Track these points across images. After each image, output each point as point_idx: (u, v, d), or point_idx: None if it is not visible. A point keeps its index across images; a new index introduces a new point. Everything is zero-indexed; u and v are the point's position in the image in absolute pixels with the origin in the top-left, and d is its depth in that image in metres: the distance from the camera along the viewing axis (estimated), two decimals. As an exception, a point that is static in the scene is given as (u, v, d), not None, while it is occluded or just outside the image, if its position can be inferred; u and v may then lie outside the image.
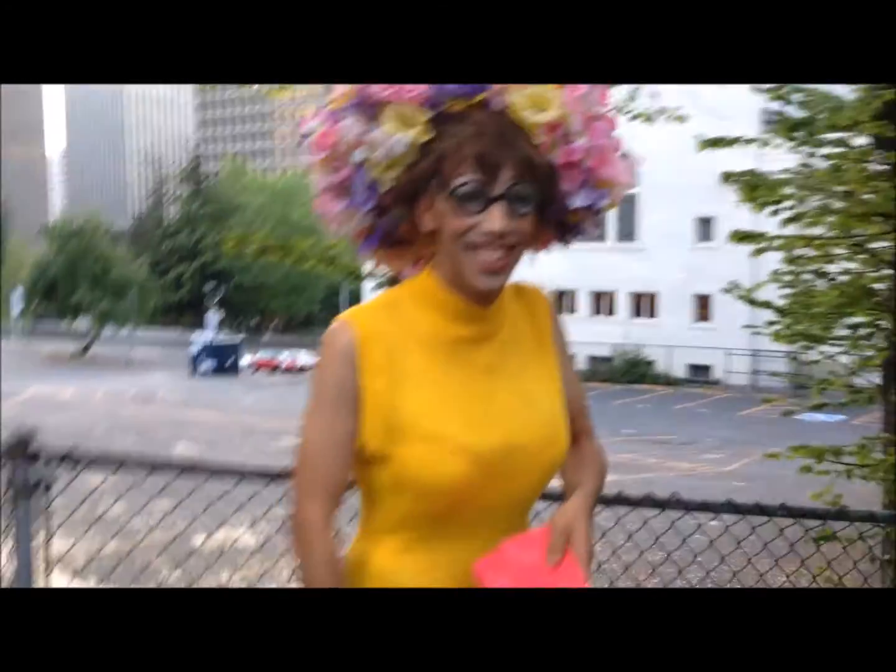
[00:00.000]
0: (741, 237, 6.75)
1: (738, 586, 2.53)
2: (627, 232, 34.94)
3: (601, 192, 1.32)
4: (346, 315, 1.29)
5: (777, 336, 8.68)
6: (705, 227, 31.38)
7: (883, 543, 5.14)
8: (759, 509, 2.12)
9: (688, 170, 25.23)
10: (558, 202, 1.30)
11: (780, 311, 8.61)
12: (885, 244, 6.51)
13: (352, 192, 1.29)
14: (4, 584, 2.10)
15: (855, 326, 7.29)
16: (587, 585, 1.24)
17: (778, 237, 7.09)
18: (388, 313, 1.30)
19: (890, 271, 6.66)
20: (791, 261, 7.17)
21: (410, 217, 1.29)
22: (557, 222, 1.35)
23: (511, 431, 1.28)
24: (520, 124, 1.25)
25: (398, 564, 1.28)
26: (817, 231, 6.96)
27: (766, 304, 8.48)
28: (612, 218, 35.33)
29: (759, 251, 7.11)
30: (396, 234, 1.33)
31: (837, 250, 6.99)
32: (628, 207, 34.98)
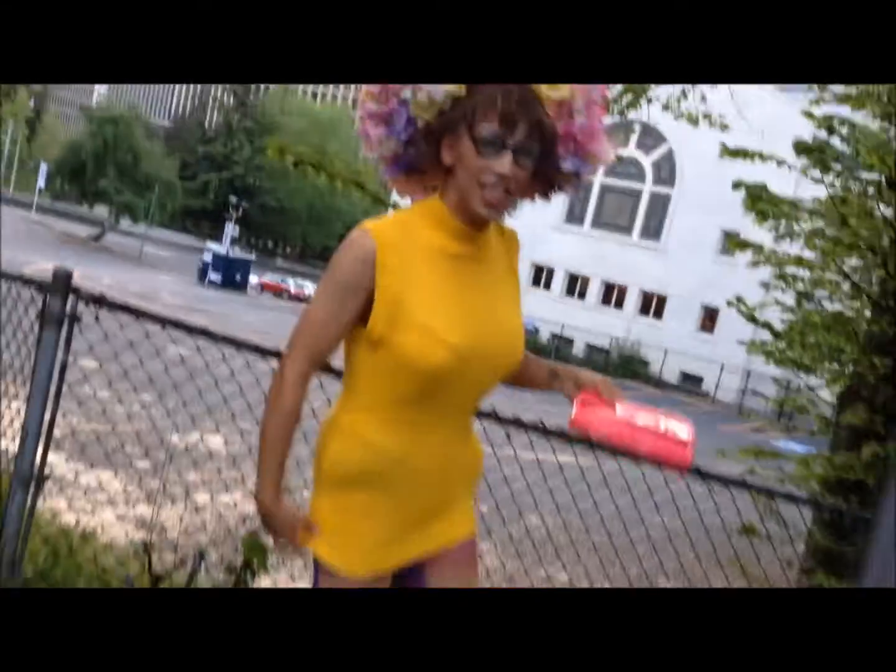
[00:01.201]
0: (737, 244, 6.86)
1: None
2: (654, 231, 34.88)
3: (585, 163, 1.65)
4: (367, 225, 1.56)
5: (769, 357, 8.88)
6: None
7: (805, 547, 5.39)
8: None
9: (727, 181, 25.09)
10: (552, 163, 1.60)
11: (777, 335, 8.79)
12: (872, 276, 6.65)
13: (393, 123, 1.58)
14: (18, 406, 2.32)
15: (843, 361, 7.44)
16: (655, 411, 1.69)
17: (773, 252, 7.22)
18: (402, 228, 1.58)
19: (867, 305, 6.79)
20: (780, 277, 7.33)
21: (432, 152, 1.57)
22: (546, 180, 1.65)
23: (484, 335, 1.60)
24: (537, 95, 1.54)
25: (381, 434, 1.59)
26: (811, 255, 7.11)
27: (766, 325, 8.65)
28: (640, 213, 35.29)
29: (755, 263, 7.25)
30: (417, 165, 1.63)
31: (828, 276, 7.14)
32: (660, 206, 34.91)
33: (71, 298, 2.28)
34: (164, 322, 2.34)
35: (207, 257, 38.53)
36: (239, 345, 2.38)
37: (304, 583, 3.12)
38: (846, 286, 6.96)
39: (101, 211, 49.37)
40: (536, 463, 3.06)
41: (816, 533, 5.21)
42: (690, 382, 33.08)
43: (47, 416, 2.31)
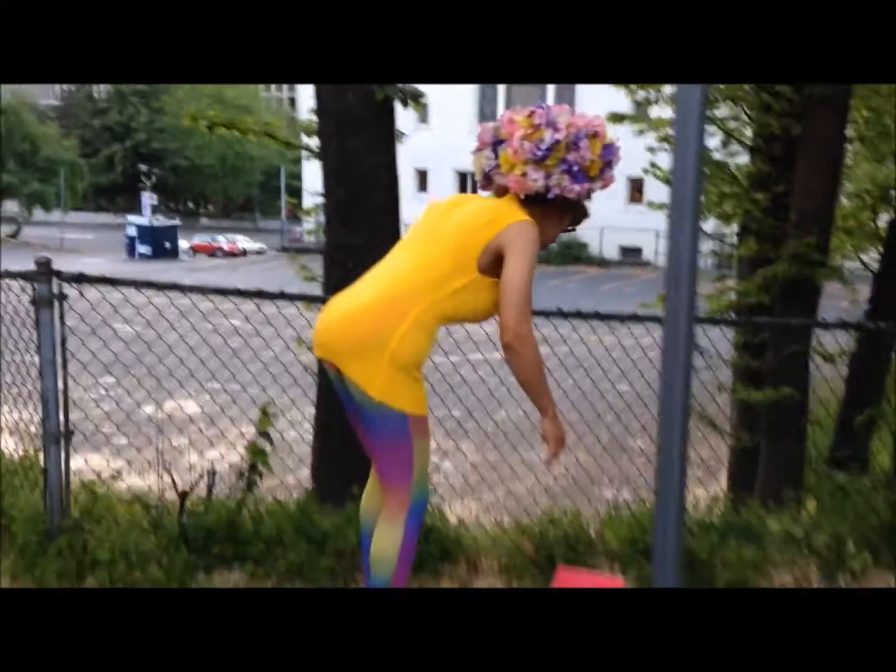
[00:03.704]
0: (614, 118, 7.21)
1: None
2: (567, 114, 34.85)
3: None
4: (526, 216, 2.26)
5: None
6: (642, 109, 31.49)
7: (732, 371, 6.04)
8: (562, 313, 3.08)
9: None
10: None
11: (696, 191, 9.26)
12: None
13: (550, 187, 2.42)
14: (31, 380, 2.61)
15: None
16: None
17: (653, 118, 7.69)
18: None
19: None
20: (662, 140, 7.79)
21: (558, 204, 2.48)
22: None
23: None
24: None
25: (438, 327, 2.25)
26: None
27: (683, 184, 9.10)
28: (550, 97, 35.25)
29: (640, 131, 7.70)
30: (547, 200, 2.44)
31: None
32: (568, 88, 34.87)
33: (55, 281, 2.57)
34: (143, 285, 2.64)
35: (132, 231, 37.76)
36: (232, 293, 2.70)
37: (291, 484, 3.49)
38: (721, 136, 7.52)
39: (11, 206, 47.68)
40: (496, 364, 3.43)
41: (737, 356, 5.87)
42: (631, 255, 33.84)
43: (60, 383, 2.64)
